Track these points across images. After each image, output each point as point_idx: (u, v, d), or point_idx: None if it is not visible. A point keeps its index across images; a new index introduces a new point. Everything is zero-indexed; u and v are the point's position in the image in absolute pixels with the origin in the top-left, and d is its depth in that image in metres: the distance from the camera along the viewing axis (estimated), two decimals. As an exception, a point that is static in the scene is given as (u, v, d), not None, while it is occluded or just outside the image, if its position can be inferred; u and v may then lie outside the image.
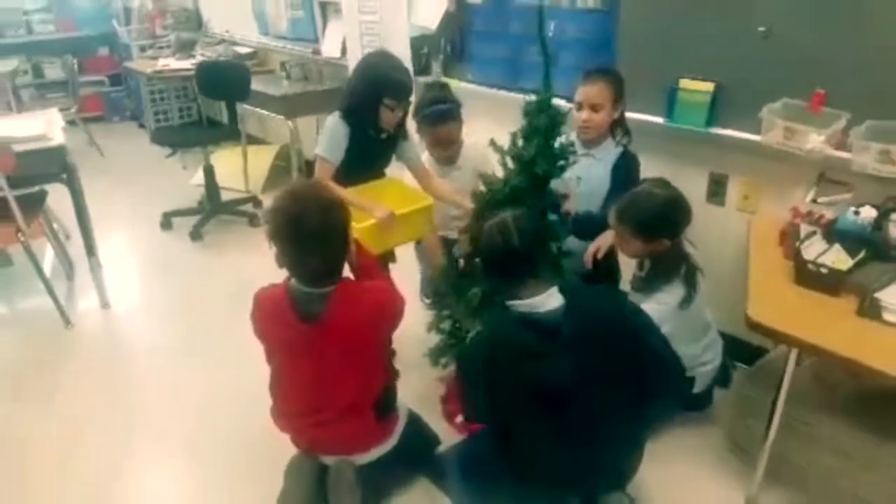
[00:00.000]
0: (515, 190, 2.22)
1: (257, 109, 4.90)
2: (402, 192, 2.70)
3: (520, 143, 2.25)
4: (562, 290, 1.81)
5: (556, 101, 2.23)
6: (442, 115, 2.68)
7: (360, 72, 2.62)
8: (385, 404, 2.09)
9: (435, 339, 2.46)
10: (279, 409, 2.13)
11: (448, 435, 2.46)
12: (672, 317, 2.22)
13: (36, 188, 3.46)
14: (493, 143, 2.33)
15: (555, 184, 2.25)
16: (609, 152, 2.59)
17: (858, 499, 2.07)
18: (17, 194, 3.14)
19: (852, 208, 2.13)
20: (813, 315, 1.92)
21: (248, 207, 4.73)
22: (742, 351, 2.74)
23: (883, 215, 2.10)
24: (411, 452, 2.22)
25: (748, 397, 2.34)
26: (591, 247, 2.43)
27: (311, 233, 1.80)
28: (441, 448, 2.39)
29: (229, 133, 4.56)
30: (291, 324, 1.91)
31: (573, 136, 2.52)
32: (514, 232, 1.78)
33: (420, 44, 3.77)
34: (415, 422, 2.28)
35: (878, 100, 2.16)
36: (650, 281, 2.31)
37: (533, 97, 2.23)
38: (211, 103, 6.65)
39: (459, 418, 2.42)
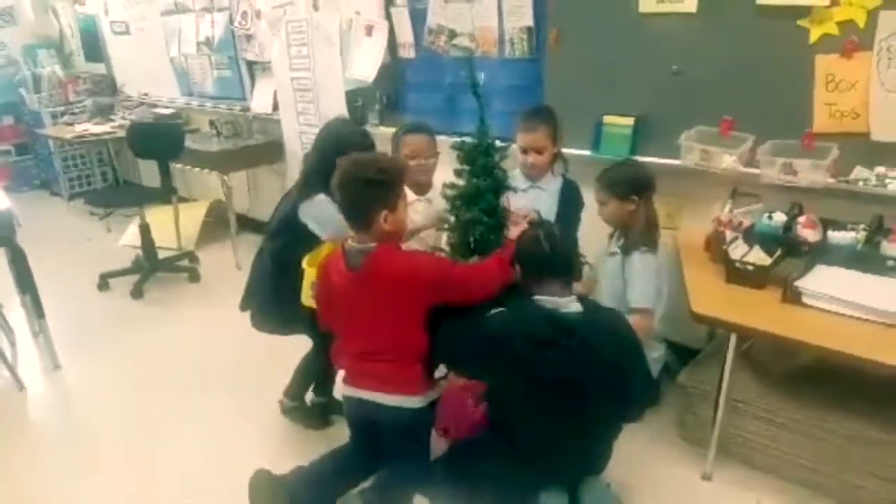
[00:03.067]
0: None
1: (186, 167, 5.02)
2: None
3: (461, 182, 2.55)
4: (579, 300, 2.04)
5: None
6: (418, 127, 2.88)
7: (326, 143, 2.66)
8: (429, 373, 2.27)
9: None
10: (336, 350, 2.33)
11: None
12: (656, 273, 2.62)
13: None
14: (445, 185, 2.61)
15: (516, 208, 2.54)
16: (552, 181, 2.88)
17: (799, 464, 2.38)
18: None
19: (766, 214, 2.50)
20: (746, 305, 2.26)
21: (186, 263, 4.79)
22: (677, 353, 3.06)
23: (791, 219, 2.48)
24: (420, 434, 2.34)
25: (691, 388, 2.63)
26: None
27: (345, 183, 2.09)
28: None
29: (163, 192, 4.62)
30: (342, 272, 2.17)
31: (517, 172, 2.83)
32: (558, 238, 2.04)
33: (355, 96, 4.01)
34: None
35: (776, 122, 2.56)
36: (626, 244, 2.66)
37: (468, 140, 2.53)
38: (127, 166, 6.66)
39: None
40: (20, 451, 2.90)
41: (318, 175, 2.59)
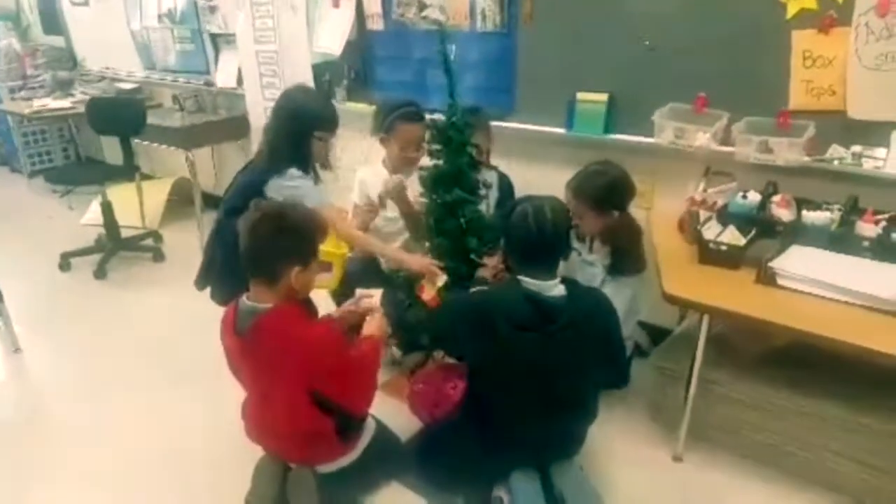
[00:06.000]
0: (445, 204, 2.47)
1: (149, 144, 4.86)
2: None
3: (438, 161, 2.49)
4: (563, 282, 1.98)
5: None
6: (415, 114, 2.78)
7: (284, 112, 2.55)
8: (346, 431, 2.11)
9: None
10: (245, 415, 2.18)
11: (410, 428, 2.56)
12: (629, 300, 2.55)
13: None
14: (421, 169, 2.55)
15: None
16: (488, 173, 2.86)
17: (771, 447, 2.36)
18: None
19: (740, 194, 2.45)
20: (719, 286, 2.22)
21: (150, 242, 4.66)
22: (648, 332, 3.05)
23: (765, 198, 2.44)
24: (375, 462, 2.24)
25: (663, 369, 2.60)
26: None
27: (261, 228, 1.88)
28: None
29: (126, 169, 4.47)
30: (230, 333, 1.99)
31: None
32: (549, 220, 1.92)
33: (322, 70, 3.89)
34: (380, 433, 2.30)
35: (752, 99, 2.51)
36: (617, 266, 2.59)
37: (438, 117, 2.48)
38: (90, 142, 6.47)
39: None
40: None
41: (283, 148, 2.51)
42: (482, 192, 2.55)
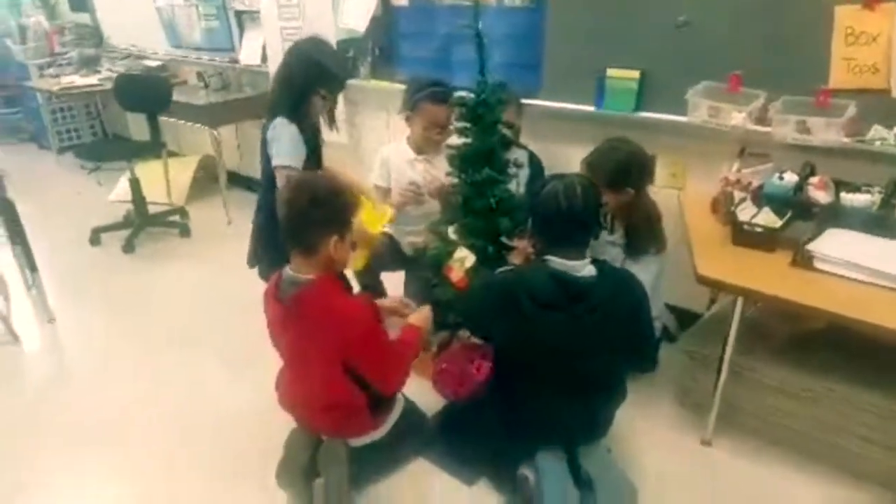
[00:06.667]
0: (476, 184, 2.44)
1: (174, 121, 4.87)
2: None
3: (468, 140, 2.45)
4: (594, 263, 1.94)
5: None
6: (442, 95, 2.71)
7: (295, 62, 2.53)
8: (377, 407, 2.12)
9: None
10: (280, 387, 2.20)
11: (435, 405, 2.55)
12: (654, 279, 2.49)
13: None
14: (448, 147, 2.51)
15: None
16: (518, 152, 2.85)
17: (802, 433, 2.32)
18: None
19: (777, 174, 2.39)
20: (753, 268, 2.17)
21: (177, 218, 4.70)
22: (677, 316, 3.00)
23: (802, 179, 2.37)
24: (403, 438, 2.25)
25: (693, 353, 2.55)
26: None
27: (299, 199, 1.89)
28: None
29: (153, 146, 4.49)
30: (273, 301, 2.02)
31: None
32: (579, 197, 1.88)
33: (346, 47, 3.84)
34: (409, 410, 2.30)
35: (790, 78, 2.42)
36: (634, 245, 2.55)
37: (466, 95, 2.43)
38: (115, 119, 6.51)
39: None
40: (17, 403, 2.89)
41: (282, 98, 2.50)
42: (512, 171, 2.51)
